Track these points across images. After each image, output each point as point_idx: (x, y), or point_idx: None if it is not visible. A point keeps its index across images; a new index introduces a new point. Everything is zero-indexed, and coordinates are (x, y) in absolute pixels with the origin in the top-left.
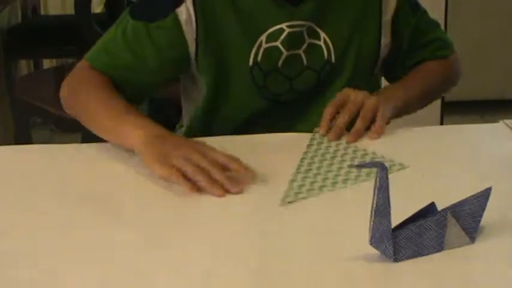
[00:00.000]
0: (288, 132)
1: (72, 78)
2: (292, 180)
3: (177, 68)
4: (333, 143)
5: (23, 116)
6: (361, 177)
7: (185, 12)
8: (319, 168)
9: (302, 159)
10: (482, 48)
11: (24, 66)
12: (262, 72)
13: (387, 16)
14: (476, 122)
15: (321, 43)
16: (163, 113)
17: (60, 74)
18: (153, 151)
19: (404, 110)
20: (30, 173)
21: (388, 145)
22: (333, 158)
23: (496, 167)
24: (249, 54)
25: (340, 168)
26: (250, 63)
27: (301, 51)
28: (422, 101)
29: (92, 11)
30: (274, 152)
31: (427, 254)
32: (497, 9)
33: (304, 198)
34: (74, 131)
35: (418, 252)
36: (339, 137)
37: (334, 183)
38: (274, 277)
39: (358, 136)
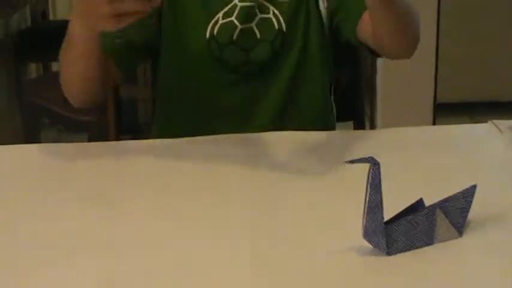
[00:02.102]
0: (251, 103)
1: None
2: None
3: (154, 38)
4: None
5: (32, 117)
6: None
7: None
8: None
9: None
10: (474, 51)
11: (33, 69)
12: (219, 44)
13: None
14: (467, 123)
15: (271, 16)
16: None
17: None
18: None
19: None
20: (40, 170)
21: (381, 143)
22: None
23: (483, 165)
24: (206, 28)
25: None
26: (207, 36)
27: (253, 25)
28: (405, 9)
29: None
30: (271, 150)
31: (419, 247)
32: (487, 13)
33: None
34: (81, 131)
35: (410, 245)
36: None
37: None
38: (270, 270)
39: None
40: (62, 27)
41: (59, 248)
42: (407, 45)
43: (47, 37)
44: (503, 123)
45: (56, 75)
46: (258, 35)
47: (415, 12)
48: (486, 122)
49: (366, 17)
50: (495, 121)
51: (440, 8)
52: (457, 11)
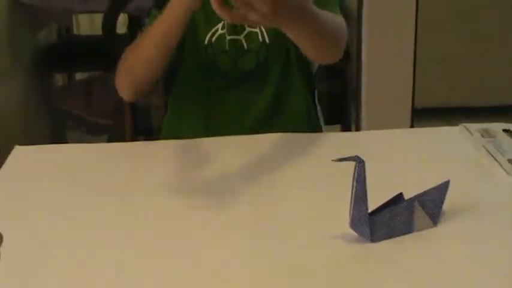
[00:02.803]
0: (242, 107)
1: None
2: None
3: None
4: None
5: (58, 121)
6: None
7: None
8: None
9: None
10: (449, 61)
11: (59, 78)
12: (214, 52)
13: None
14: (442, 126)
15: (257, 30)
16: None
17: (89, 85)
18: None
19: (310, 13)
20: (65, 167)
21: (365, 144)
22: None
23: (455, 163)
24: (206, 36)
25: None
26: (206, 43)
27: (241, 37)
28: (322, 27)
29: (117, 32)
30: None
31: (399, 236)
32: (463, 23)
33: None
34: (101, 133)
35: (391, 234)
36: None
37: None
38: (267, 255)
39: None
40: (84, 41)
41: (81, 236)
42: (327, 57)
43: (71, 50)
44: (473, 126)
45: (79, 83)
46: (245, 46)
47: (335, 27)
48: (458, 125)
49: None
50: (466, 124)
51: (418, 18)
52: (435, 19)
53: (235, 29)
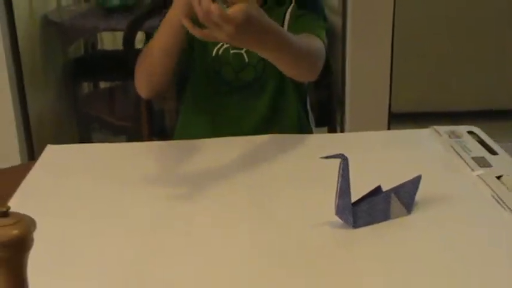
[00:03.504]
0: (242, 111)
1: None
2: None
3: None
4: None
5: (85, 123)
6: None
7: None
8: None
9: None
10: (421, 72)
11: (85, 87)
12: (220, 63)
13: (286, 22)
14: (415, 129)
15: None
16: (160, 121)
17: (111, 92)
18: None
19: (276, 36)
20: (91, 163)
21: (349, 144)
22: None
23: (426, 160)
24: (214, 49)
25: None
26: (213, 54)
27: (243, 51)
28: (294, 47)
29: (135, 47)
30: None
31: (378, 222)
32: (437, 30)
33: None
34: (121, 134)
35: (371, 221)
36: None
37: None
38: (264, 239)
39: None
40: (107, 55)
41: (104, 223)
42: (300, 76)
43: (96, 63)
44: (442, 129)
45: (103, 91)
46: (246, 60)
47: (310, 53)
48: (429, 128)
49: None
50: (435, 127)
51: (393, 40)
52: (409, 43)
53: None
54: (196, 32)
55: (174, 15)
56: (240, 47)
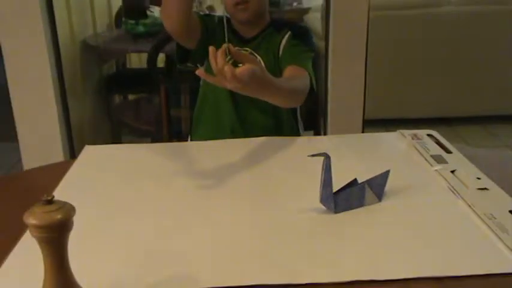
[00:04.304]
0: (243, 119)
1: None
2: None
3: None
4: None
5: (117, 128)
6: None
7: (203, 21)
8: None
9: None
10: (390, 86)
11: (117, 99)
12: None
13: (281, 46)
14: (384, 132)
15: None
16: (177, 126)
17: (138, 103)
18: None
19: (270, 88)
20: (122, 160)
21: (331, 144)
22: None
23: (393, 158)
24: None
25: None
26: None
27: None
28: (283, 92)
29: (157, 66)
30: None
31: (355, 208)
32: (403, 54)
33: None
34: (146, 136)
35: (349, 207)
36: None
37: None
38: (261, 222)
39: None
40: (134, 73)
41: (133, 210)
42: (289, 106)
43: (125, 79)
44: (406, 132)
45: (131, 102)
46: None
47: (297, 91)
48: (396, 131)
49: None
50: (401, 131)
51: (367, 61)
52: (380, 58)
53: (235, 65)
54: (209, 79)
55: None
56: (243, 93)
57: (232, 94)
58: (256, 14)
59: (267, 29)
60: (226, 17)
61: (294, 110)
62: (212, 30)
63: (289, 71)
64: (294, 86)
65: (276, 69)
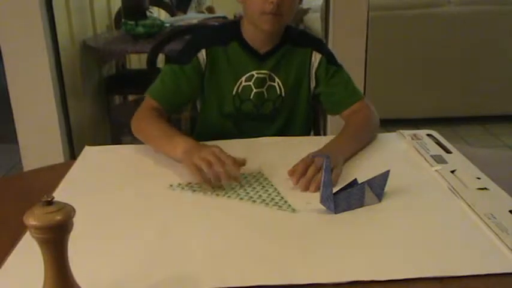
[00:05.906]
0: (258, 129)
1: (137, 114)
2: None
3: (198, 90)
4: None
5: (117, 128)
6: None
7: (201, 57)
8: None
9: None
10: (388, 88)
11: (117, 99)
12: (240, 100)
13: (313, 70)
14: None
15: (276, 84)
16: (178, 128)
17: (138, 103)
18: (187, 157)
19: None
20: (121, 160)
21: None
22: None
23: (393, 158)
24: (233, 87)
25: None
26: (234, 93)
27: (264, 89)
28: (360, 145)
29: (157, 67)
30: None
31: (354, 209)
32: (403, 56)
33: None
34: None
35: (349, 207)
36: (307, 188)
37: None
38: (262, 221)
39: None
40: (134, 73)
41: (133, 207)
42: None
43: (125, 79)
44: (406, 132)
45: (131, 102)
46: (266, 96)
47: (370, 129)
48: (395, 132)
49: (347, 111)
50: (400, 131)
51: (367, 57)
52: (380, 60)
53: (260, 83)
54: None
55: (176, 156)
56: None
57: (238, 127)
58: (283, 27)
59: (284, 44)
60: (240, 33)
61: (310, 119)
62: (211, 62)
63: (351, 117)
64: (366, 134)
65: (301, 89)
